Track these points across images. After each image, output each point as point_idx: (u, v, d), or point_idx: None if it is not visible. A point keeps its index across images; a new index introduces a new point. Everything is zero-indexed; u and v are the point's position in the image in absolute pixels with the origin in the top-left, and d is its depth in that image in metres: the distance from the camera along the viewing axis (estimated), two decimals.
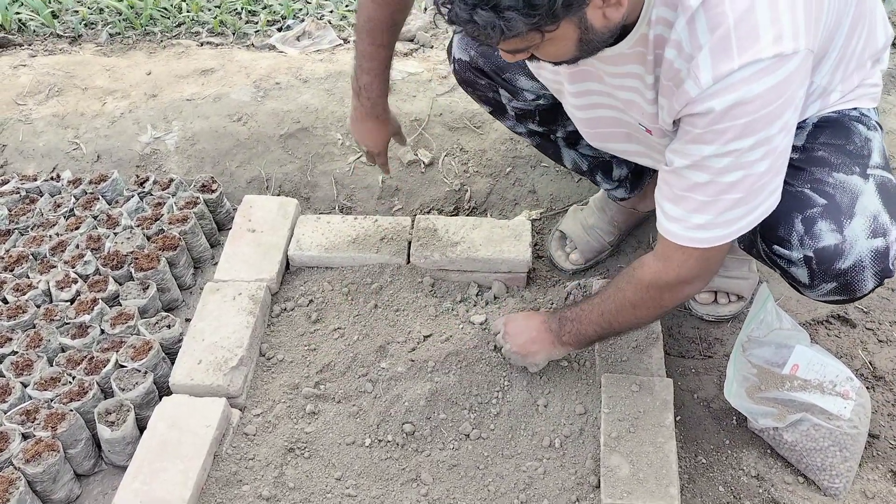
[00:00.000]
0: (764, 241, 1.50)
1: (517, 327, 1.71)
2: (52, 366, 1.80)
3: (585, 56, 1.26)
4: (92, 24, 3.08)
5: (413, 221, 2.12)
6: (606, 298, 1.54)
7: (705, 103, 1.22)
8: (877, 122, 1.52)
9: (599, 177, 1.91)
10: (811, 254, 1.42)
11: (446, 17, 1.14)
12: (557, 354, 1.71)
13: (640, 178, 1.94)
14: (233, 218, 2.17)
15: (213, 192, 2.23)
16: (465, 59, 1.73)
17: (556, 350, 1.67)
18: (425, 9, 2.92)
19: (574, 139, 1.81)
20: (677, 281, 1.43)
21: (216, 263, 2.06)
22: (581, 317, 1.58)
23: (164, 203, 2.18)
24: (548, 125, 1.79)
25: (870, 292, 1.47)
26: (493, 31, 1.11)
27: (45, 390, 1.73)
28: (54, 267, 2.02)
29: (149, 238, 2.09)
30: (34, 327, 1.88)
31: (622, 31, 1.27)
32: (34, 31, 3.06)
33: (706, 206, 1.32)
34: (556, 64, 1.31)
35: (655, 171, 1.98)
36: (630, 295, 1.49)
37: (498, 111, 1.81)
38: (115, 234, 2.10)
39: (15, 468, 1.60)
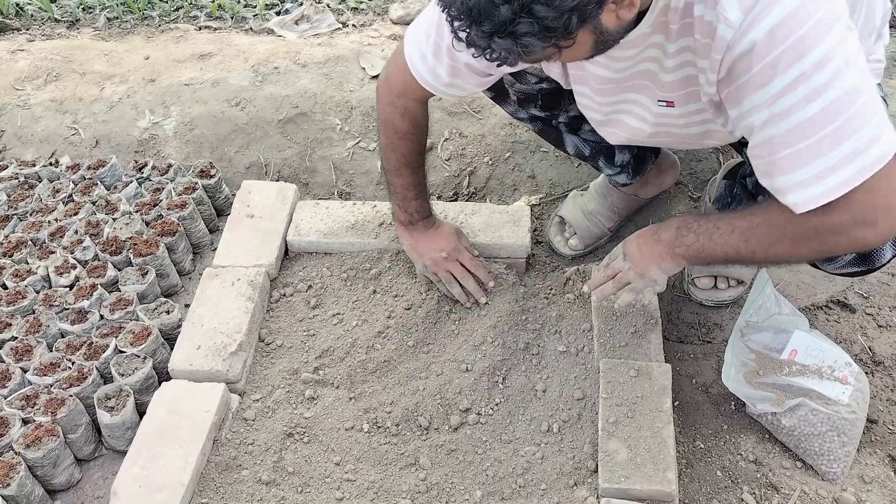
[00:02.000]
0: None
1: (631, 246, 1.59)
2: (51, 351, 1.81)
3: (601, 53, 1.26)
4: (90, 8, 3.06)
5: None
6: (756, 226, 1.35)
7: (745, 38, 1.17)
8: (882, 97, 1.49)
9: (602, 162, 1.90)
10: None
11: (465, 42, 1.14)
12: (668, 268, 1.53)
13: (642, 164, 1.92)
14: (231, 203, 2.17)
15: (211, 177, 2.23)
16: None
17: (665, 263, 1.51)
18: None
19: (576, 125, 1.80)
20: (854, 223, 1.24)
21: (215, 249, 2.06)
22: (711, 233, 1.41)
23: (163, 188, 2.18)
24: (550, 110, 1.78)
25: (887, 262, 1.46)
26: (510, 56, 1.13)
27: (45, 375, 1.74)
28: (53, 252, 2.02)
29: (147, 223, 2.09)
30: (34, 313, 1.88)
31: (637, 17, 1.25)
32: (32, 16, 3.04)
33: (818, 151, 1.18)
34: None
35: (657, 157, 1.98)
36: (791, 231, 1.31)
37: (500, 96, 1.80)
38: (114, 219, 2.09)
39: (15, 453, 1.61)
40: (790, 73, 1.16)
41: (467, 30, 1.12)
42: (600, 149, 1.86)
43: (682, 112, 1.45)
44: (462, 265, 1.88)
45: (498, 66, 1.19)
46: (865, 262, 1.45)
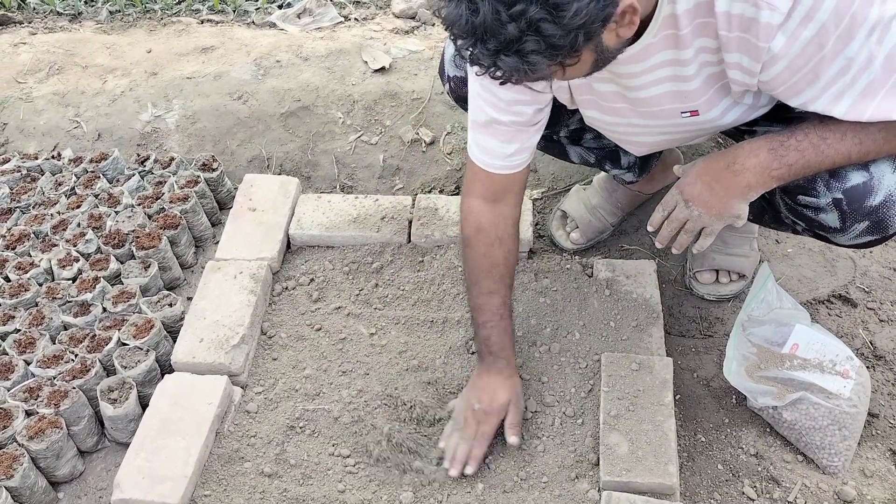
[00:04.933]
0: (786, 194, 1.48)
1: (694, 188, 1.45)
2: (54, 343, 1.81)
3: (597, 70, 1.26)
4: (92, 1, 3.06)
5: (414, 201, 2.12)
6: (866, 126, 1.32)
7: (810, 22, 1.18)
8: None
9: (608, 165, 1.90)
10: (840, 195, 1.40)
11: (467, 61, 1.14)
12: (754, 196, 1.42)
13: (647, 162, 1.92)
14: (234, 197, 2.17)
15: (213, 170, 2.23)
16: (461, 75, 1.68)
17: (754, 191, 1.41)
18: None
19: (578, 135, 1.79)
20: None
21: (217, 242, 2.07)
22: (818, 145, 1.34)
23: (165, 182, 2.18)
24: (551, 128, 1.76)
25: None
26: (517, 74, 1.12)
27: (48, 368, 1.74)
28: (56, 245, 2.02)
29: (150, 217, 2.09)
30: (36, 305, 1.89)
31: (639, 29, 1.24)
32: (34, 9, 3.04)
33: None
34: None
35: (661, 154, 1.98)
36: None
37: None
38: (117, 212, 2.10)
39: (19, 445, 1.62)
40: (862, 31, 1.20)
41: (471, 48, 1.11)
42: (605, 154, 1.85)
43: (705, 118, 1.45)
44: (475, 429, 1.62)
45: (501, 84, 1.17)
46: (879, 229, 1.43)
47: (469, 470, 1.60)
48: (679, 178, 1.51)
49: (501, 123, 1.53)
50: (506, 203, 1.62)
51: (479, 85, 1.52)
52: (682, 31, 1.27)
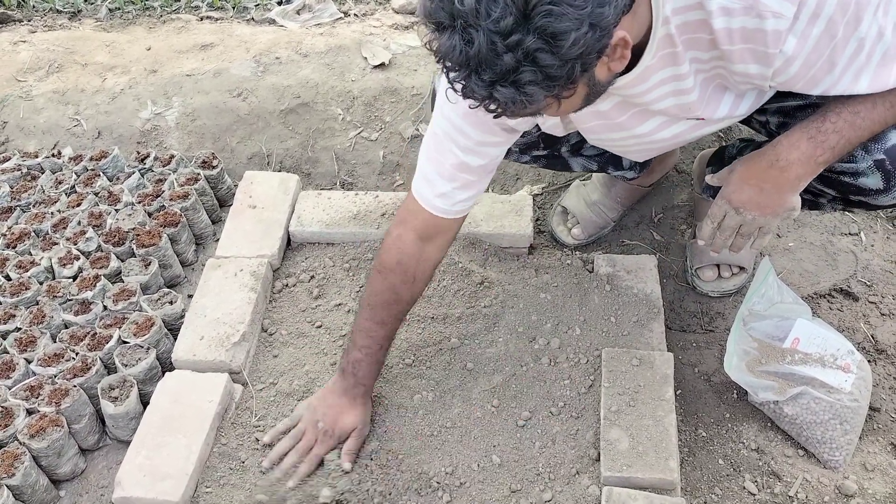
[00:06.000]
0: None
1: (743, 195, 1.46)
2: (55, 342, 1.81)
3: (588, 104, 1.26)
4: None
5: None
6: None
7: (818, 20, 1.19)
8: None
9: (610, 170, 1.90)
10: (882, 156, 1.40)
11: (460, 93, 1.12)
12: (805, 184, 1.43)
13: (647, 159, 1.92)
14: (234, 194, 2.17)
15: (213, 168, 2.23)
16: None
17: (804, 181, 1.41)
18: None
19: (578, 147, 1.79)
20: None
21: (218, 240, 2.07)
22: (852, 121, 1.35)
23: (165, 179, 2.18)
24: (552, 146, 1.77)
25: None
26: (513, 106, 1.10)
27: (49, 366, 1.75)
28: (56, 244, 2.02)
29: (150, 214, 2.09)
30: (37, 304, 1.89)
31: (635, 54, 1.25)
32: (33, 7, 3.04)
33: None
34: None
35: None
36: None
37: None
38: (117, 210, 2.10)
39: (20, 443, 1.62)
40: (869, 11, 1.20)
41: (464, 80, 1.09)
42: (606, 160, 1.85)
43: (714, 118, 1.46)
44: (309, 447, 1.63)
45: (495, 116, 1.15)
46: None
47: (289, 483, 1.59)
48: (705, 183, 1.51)
49: (469, 170, 1.52)
50: (435, 244, 1.60)
51: (448, 126, 1.49)
52: (678, 48, 1.28)
